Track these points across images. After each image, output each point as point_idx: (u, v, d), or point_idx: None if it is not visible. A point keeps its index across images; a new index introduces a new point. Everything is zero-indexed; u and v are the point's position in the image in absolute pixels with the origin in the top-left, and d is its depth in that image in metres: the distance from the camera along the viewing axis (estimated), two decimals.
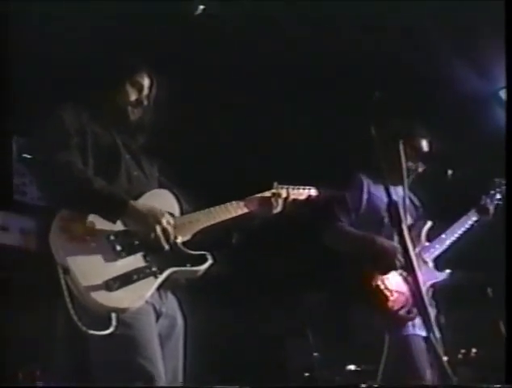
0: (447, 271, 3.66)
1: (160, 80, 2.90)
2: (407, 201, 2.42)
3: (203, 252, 2.63)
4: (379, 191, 3.70)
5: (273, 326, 4.50)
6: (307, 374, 4.38)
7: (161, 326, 2.62)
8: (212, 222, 2.76)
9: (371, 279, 3.46)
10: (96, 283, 2.36)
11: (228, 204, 2.82)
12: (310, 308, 4.41)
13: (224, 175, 4.35)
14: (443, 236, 3.70)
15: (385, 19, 3.76)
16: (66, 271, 2.36)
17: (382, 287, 3.43)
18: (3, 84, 3.57)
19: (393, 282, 3.46)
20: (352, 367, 4.32)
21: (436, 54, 4.11)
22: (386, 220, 3.62)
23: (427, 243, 3.65)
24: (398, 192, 3.68)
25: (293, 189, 3.01)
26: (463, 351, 3.75)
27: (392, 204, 2.51)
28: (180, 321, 2.74)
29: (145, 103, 2.85)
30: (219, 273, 2.71)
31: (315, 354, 4.39)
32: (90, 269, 2.39)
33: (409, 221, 3.61)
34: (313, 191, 3.09)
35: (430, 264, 3.60)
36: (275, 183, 2.95)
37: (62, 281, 2.35)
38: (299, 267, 4.62)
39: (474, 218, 3.79)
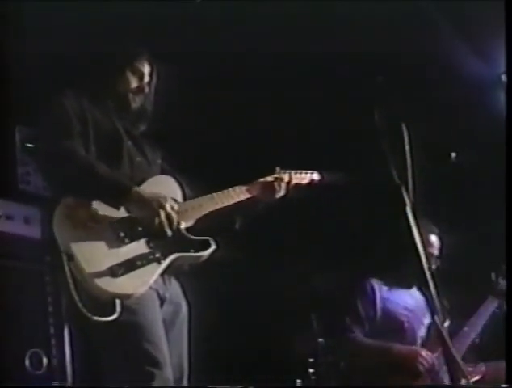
0: (481, 364, 3.53)
1: (161, 67, 2.89)
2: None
3: (206, 238, 2.64)
4: (393, 295, 3.68)
5: (276, 312, 4.51)
6: (311, 360, 4.39)
7: (165, 312, 2.63)
8: (215, 208, 2.76)
9: None
10: (100, 269, 2.38)
11: (230, 189, 2.83)
12: (314, 293, 4.42)
13: (227, 161, 4.35)
14: (466, 329, 3.56)
15: (385, 4, 3.74)
16: (70, 257, 2.37)
17: None
18: (4, 73, 3.57)
19: None
20: None
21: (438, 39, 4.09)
22: (406, 325, 3.60)
23: None
24: (415, 295, 3.65)
25: (295, 174, 3.01)
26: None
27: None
28: (184, 307, 2.76)
29: (146, 90, 2.85)
30: (222, 259, 2.71)
31: (320, 340, 4.39)
32: (94, 256, 2.40)
33: (428, 320, 3.56)
34: (316, 176, 3.10)
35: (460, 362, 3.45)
36: (278, 168, 2.95)
37: (66, 268, 2.36)
38: (303, 252, 4.62)
39: (494, 305, 3.65)
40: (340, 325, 3.68)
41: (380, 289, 3.68)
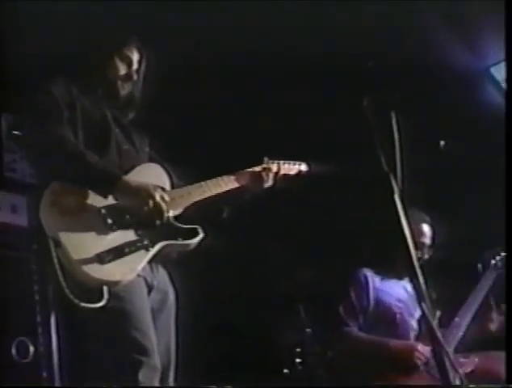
0: (473, 355, 3.46)
1: (149, 54, 2.88)
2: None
3: (194, 226, 2.63)
4: (385, 286, 3.62)
5: (264, 301, 4.51)
6: (298, 350, 4.40)
7: (152, 300, 2.63)
8: (203, 196, 2.76)
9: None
10: (88, 256, 2.36)
11: (219, 178, 2.83)
12: (302, 283, 4.42)
13: (215, 150, 4.35)
14: (457, 319, 3.49)
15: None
16: (57, 244, 2.36)
17: None
18: None
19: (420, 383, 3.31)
20: None
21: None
22: (398, 316, 3.53)
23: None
24: (407, 286, 3.60)
25: (284, 164, 3.02)
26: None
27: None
28: (172, 295, 2.75)
29: (135, 77, 2.84)
30: (210, 247, 2.71)
31: (307, 330, 4.40)
32: (81, 242, 2.39)
33: (419, 313, 3.43)
34: (304, 167, 3.11)
35: (452, 354, 3.29)
36: (266, 158, 2.97)
37: (54, 254, 2.34)
38: (290, 242, 4.63)
39: (482, 295, 3.54)
40: (334, 318, 3.59)
41: (373, 279, 3.63)
